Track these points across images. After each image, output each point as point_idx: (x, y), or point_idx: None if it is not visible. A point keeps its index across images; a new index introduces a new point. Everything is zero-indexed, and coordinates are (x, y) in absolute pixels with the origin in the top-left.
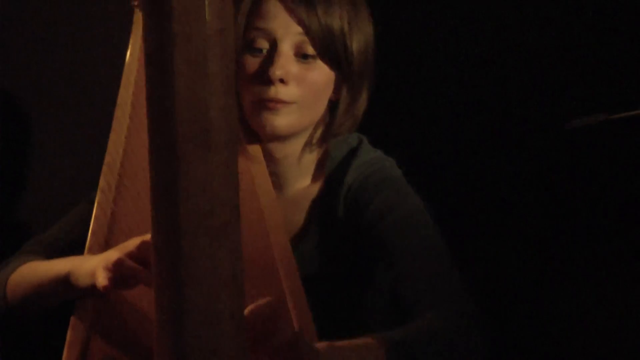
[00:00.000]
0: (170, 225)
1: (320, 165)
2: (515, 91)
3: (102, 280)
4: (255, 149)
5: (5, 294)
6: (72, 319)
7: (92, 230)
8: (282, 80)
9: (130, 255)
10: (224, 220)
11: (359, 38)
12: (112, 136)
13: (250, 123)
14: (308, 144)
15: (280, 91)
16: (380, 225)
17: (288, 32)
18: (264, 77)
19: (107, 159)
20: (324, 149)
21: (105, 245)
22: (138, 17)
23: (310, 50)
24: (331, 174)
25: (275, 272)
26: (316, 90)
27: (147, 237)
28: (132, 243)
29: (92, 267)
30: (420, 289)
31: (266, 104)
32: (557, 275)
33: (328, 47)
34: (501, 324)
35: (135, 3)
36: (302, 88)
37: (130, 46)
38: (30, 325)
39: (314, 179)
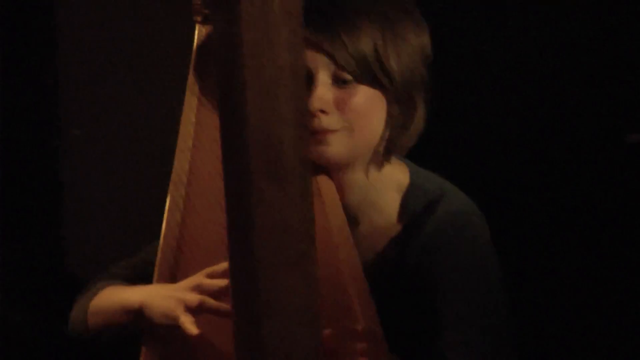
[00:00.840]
0: (246, 259)
1: (400, 209)
2: (575, 104)
3: (190, 327)
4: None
5: (87, 319)
6: (142, 349)
7: (161, 248)
8: (322, 111)
9: (210, 292)
10: (300, 253)
11: (400, 53)
12: (178, 154)
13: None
14: (370, 165)
15: (323, 121)
16: (446, 290)
17: (320, 64)
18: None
19: (174, 176)
20: (402, 191)
21: (175, 263)
22: (200, 33)
23: (347, 76)
24: (409, 224)
25: (347, 296)
26: (362, 113)
27: (214, 268)
28: (207, 281)
29: (168, 307)
30: None
31: (314, 136)
32: (619, 286)
33: (363, 71)
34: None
35: (199, 19)
36: (346, 113)
37: (192, 61)
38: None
39: (392, 222)
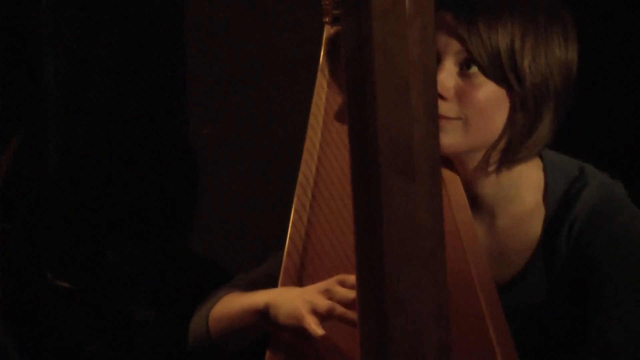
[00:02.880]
0: (374, 255)
1: (539, 192)
2: None
3: (315, 329)
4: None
5: (208, 327)
6: (267, 353)
7: (287, 251)
8: (440, 96)
9: (338, 300)
10: (428, 250)
11: (537, 58)
12: (305, 155)
13: None
14: (485, 166)
15: (440, 106)
16: (603, 265)
17: (450, 50)
18: None
19: (300, 178)
20: (539, 176)
21: (301, 266)
22: (329, 34)
23: (475, 67)
24: (555, 205)
25: (475, 298)
26: (482, 108)
27: (347, 278)
28: (337, 288)
29: (294, 307)
30: (619, 349)
31: None
32: None
33: (493, 66)
34: None
35: (327, 19)
36: (465, 104)
37: (320, 62)
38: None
39: (533, 208)
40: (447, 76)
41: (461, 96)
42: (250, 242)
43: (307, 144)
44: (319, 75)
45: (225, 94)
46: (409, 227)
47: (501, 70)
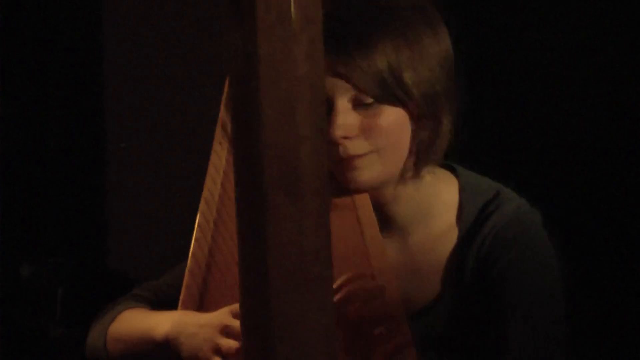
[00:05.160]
0: (258, 280)
1: (454, 213)
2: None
3: None
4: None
5: (106, 345)
6: None
7: (189, 268)
8: (346, 137)
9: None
10: (315, 274)
11: (417, 66)
12: (210, 170)
13: (337, 179)
14: (401, 182)
15: (348, 147)
16: (500, 290)
17: (338, 89)
18: (329, 139)
19: (205, 194)
20: (454, 197)
21: (203, 283)
22: None
23: (367, 99)
24: (467, 226)
25: None
26: (389, 134)
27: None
28: (234, 322)
29: (197, 346)
30: None
31: (342, 163)
32: None
33: (382, 90)
34: None
35: None
36: (372, 137)
37: (228, 76)
38: None
39: (446, 227)
40: (346, 115)
41: (366, 129)
42: (167, 256)
43: (213, 158)
44: (227, 87)
45: (143, 109)
46: (295, 251)
47: (390, 91)
